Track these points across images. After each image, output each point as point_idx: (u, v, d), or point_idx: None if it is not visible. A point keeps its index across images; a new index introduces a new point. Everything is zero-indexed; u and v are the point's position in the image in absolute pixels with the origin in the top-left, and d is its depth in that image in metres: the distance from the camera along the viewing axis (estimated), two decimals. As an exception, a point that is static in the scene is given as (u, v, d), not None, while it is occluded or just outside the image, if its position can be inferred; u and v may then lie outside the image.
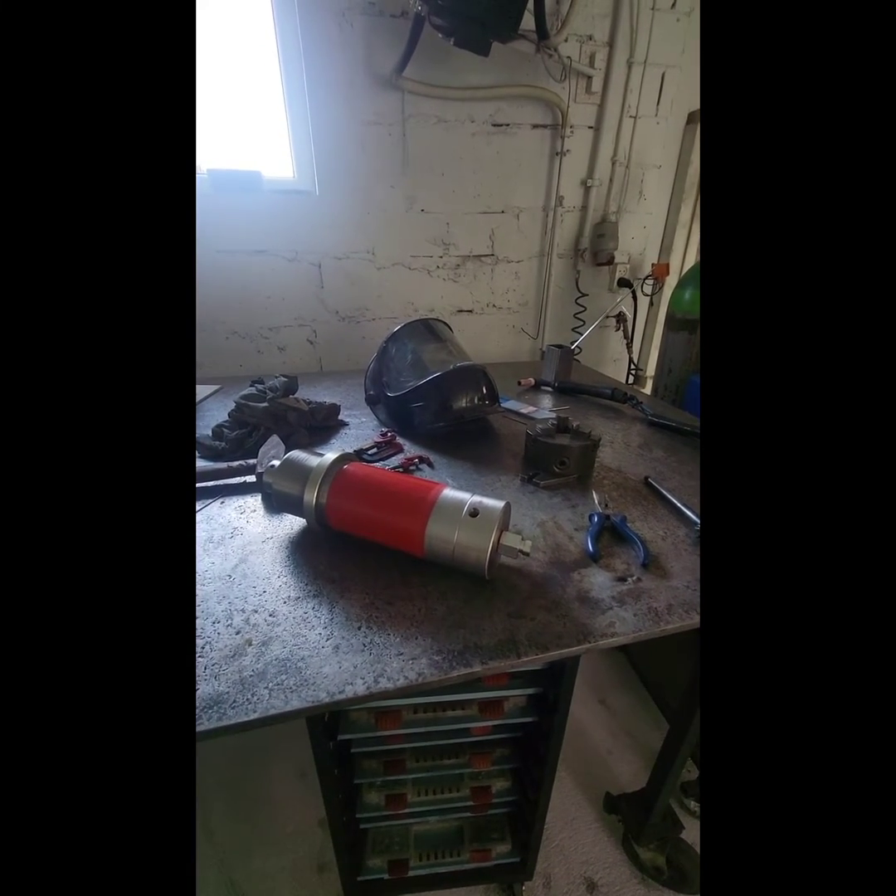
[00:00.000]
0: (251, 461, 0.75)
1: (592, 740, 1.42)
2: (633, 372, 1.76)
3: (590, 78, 1.45)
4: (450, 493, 0.55)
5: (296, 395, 0.93)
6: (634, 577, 0.57)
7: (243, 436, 0.83)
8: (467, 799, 0.94)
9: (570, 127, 1.48)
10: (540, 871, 1.08)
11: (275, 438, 0.79)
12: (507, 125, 1.46)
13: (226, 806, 1.23)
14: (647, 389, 1.82)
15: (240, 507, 0.69)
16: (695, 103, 1.58)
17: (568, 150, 1.51)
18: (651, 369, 1.88)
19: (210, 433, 0.85)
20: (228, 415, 0.89)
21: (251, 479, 0.73)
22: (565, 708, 0.75)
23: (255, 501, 0.71)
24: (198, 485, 0.72)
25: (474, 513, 0.52)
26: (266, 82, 1.31)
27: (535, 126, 1.49)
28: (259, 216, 1.37)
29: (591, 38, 1.42)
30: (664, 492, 0.74)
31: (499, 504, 0.54)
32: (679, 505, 0.70)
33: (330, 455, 0.59)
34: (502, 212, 1.56)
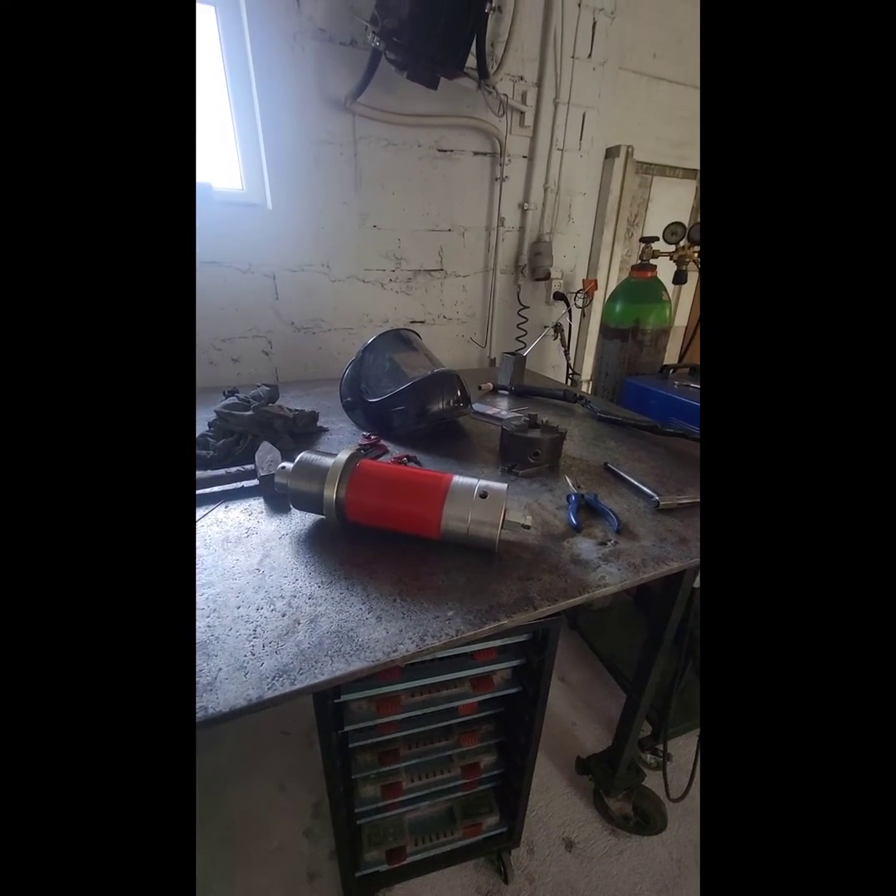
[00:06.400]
0: (249, 467, 0.77)
1: (557, 715, 1.54)
2: (570, 376, 1.94)
3: (523, 113, 1.62)
4: (459, 479, 0.62)
5: (278, 403, 0.95)
6: (613, 542, 0.68)
7: (231, 444, 0.84)
8: (458, 778, 1.00)
9: (508, 156, 1.64)
10: (523, 839, 1.16)
11: (267, 444, 0.81)
12: (451, 151, 1.58)
13: (202, 830, 1.18)
14: (585, 391, 2.01)
15: (245, 509, 0.72)
16: (610, 140, 1.81)
17: (507, 177, 1.66)
18: (585, 373, 2.08)
19: (194, 443, 0.85)
20: (209, 424, 0.89)
21: (251, 483, 0.76)
22: (549, 671, 0.85)
23: (258, 504, 0.73)
24: (200, 491, 0.73)
25: (483, 494, 0.60)
26: (212, 94, 1.32)
27: (477, 153, 1.62)
28: (210, 227, 1.36)
29: (522, 78, 1.59)
30: (623, 474, 0.86)
31: (503, 486, 0.62)
32: (636, 483, 0.83)
33: (343, 454, 0.64)
34: (449, 230, 1.68)
